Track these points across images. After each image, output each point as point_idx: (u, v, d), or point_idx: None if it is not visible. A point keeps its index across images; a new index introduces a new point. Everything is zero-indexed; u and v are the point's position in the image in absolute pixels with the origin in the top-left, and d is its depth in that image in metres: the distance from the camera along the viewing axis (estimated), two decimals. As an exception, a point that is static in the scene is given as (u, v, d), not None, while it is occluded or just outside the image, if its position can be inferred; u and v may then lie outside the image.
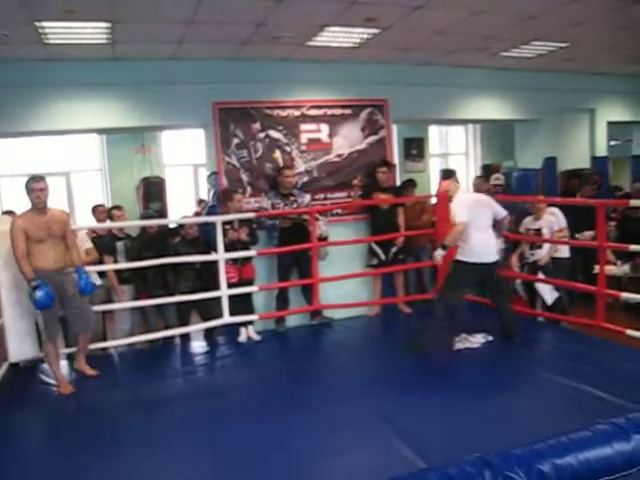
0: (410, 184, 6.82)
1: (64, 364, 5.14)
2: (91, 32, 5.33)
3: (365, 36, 6.00)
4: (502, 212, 5.18)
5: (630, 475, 1.46)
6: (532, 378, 4.40)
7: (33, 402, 4.45)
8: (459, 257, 5.01)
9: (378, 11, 5.28)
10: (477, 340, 5.16)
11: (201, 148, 6.88)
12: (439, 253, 4.97)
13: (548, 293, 5.78)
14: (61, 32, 5.26)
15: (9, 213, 5.94)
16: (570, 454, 1.41)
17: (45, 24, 5.02)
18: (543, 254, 5.84)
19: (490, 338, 5.20)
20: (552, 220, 5.80)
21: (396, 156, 7.80)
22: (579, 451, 1.42)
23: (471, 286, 5.34)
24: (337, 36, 5.96)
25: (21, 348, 4.86)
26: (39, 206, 4.48)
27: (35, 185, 4.42)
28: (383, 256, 6.42)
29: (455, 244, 4.99)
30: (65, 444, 3.71)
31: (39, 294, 4.27)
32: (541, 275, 5.81)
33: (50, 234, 4.49)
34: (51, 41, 5.43)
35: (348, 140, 6.91)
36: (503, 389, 4.18)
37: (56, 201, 7.22)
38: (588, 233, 6.29)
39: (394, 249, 6.42)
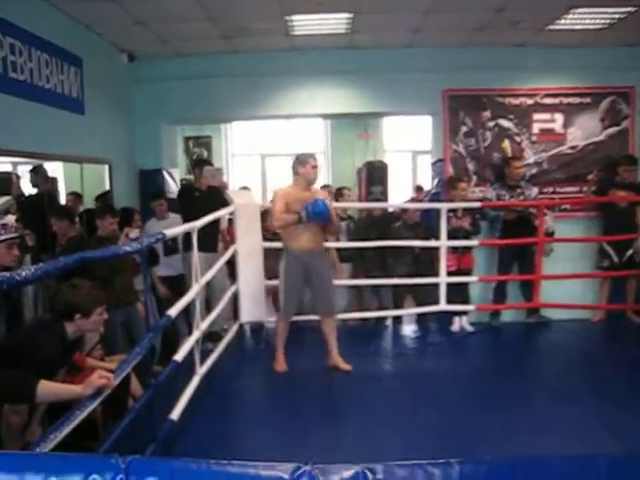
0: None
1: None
2: (333, 23, 5.65)
3: (617, 16, 5.51)
4: None
5: None
6: None
7: (257, 364, 4.90)
8: None
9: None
10: None
11: (422, 135, 6.88)
12: None
13: None
14: (306, 24, 5.65)
15: (245, 189, 6.55)
16: None
17: (294, 17, 5.41)
18: None
19: None
20: None
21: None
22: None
23: None
24: (583, 18, 5.58)
25: (250, 311, 5.32)
26: (311, 182, 4.50)
27: (312, 161, 4.45)
28: (616, 258, 5.89)
29: None
30: (287, 406, 4.00)
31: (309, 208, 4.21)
32: None
33: None
34: (296, 32, 5.83)
35: (584, 131, 6.46)
36: None
37: (283, 180, 7.80)
38: None
39: (630, 251, 5.87)
